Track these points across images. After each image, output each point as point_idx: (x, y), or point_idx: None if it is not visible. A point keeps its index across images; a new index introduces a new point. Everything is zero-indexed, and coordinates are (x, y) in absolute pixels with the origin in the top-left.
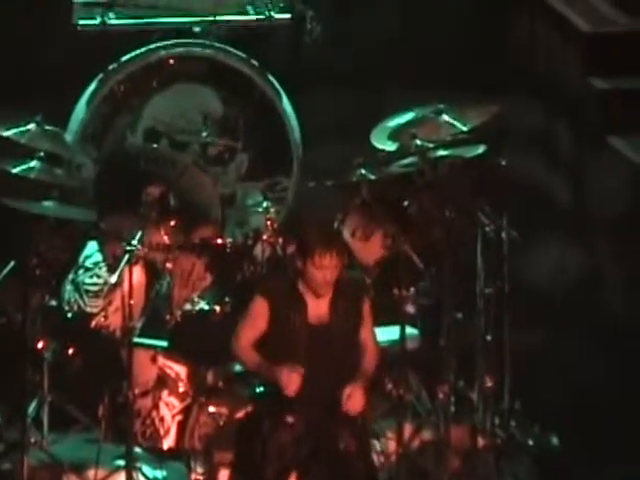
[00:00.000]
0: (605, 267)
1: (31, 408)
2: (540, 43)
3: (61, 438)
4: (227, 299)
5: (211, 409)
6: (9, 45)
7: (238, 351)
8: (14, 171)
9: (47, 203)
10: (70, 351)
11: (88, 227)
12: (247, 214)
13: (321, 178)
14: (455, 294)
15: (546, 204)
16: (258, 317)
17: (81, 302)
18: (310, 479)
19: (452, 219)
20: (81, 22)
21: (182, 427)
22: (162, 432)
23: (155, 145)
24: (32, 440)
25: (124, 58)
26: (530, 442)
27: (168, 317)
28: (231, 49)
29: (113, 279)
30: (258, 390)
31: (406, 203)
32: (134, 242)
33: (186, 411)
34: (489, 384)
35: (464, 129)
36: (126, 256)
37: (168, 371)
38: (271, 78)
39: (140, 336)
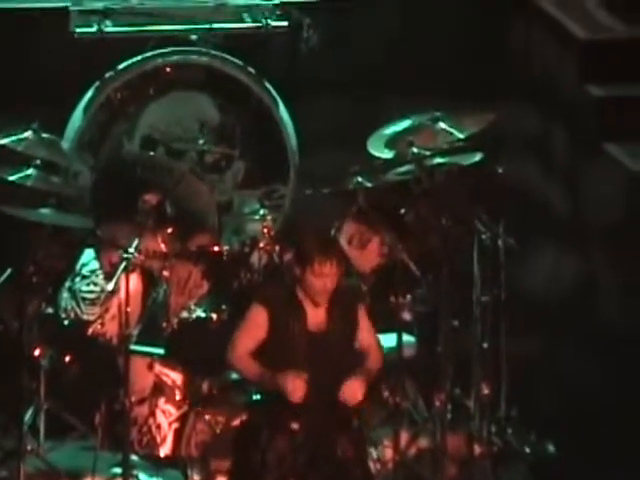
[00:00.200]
0: (601, 274)
1: (28, 416)
2: (536, 50)
3: (58, 446)
4: (224, 307)
5: (208, 416)
6: (5, 53)
7: (235, 361)
8: (11, 179)
9: (44, 211)
10: (67, 359)
11: (85, 235)
12: (244, 222)
13: (318, 186)
14: (452, 302)
15: (542, 211)
16: (257, 325)
17: (78, 310)
18: None
19: (449, 227)
20: (78, 30)
21: (179, 435)
22: (159, 440)
23: (152, 153)
24: (29, 448)
25: (121, 66)
26: (527, 449)
27: (165, 325)
28: (228, 57)
29: (110, 287)
30: (254, 398)
31: (403, 211)
32: (131, 250)
33: (183, 419)
34: (486, 392)
35: (461, 137)
36: (123, 264)
37: (165, 379)
38: (268, 85)
39: (137, 344)
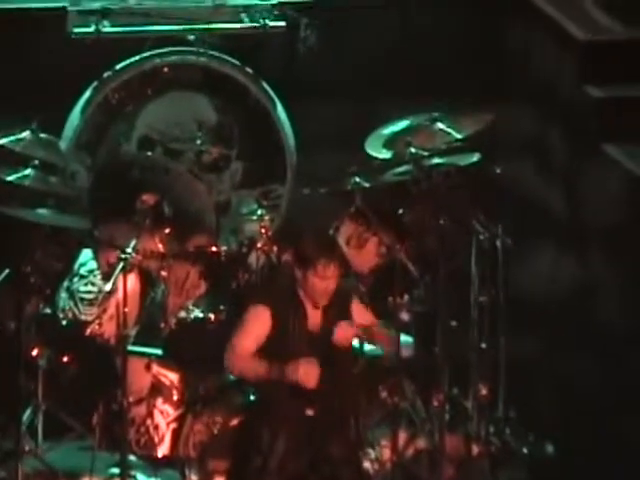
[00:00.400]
0: (600, 275)
1: (25, 416)
2: (535, 51)
3: (55, 446)
4: (221, 307)
5: (205, 417)
6: (3, 53)
7: (238, 362)
8: (9, 179)
9: (42, 211)
10: (65, 359)
11: (83, 235)
12: (241, 222)
13: (315, 186)
14: (450, 302)
15: (541, 211)
16: (260, 325)
17: (76, 310)
18: None
19: (446, 227)
20: (76, 30)
21: (176, 435)
22: (156, 440)
23: (149, 153)
24: (26, 448)
25: (118, 66)
26: (525, 450)
27: (162, 325)
28: (226, 57)
29: (108, 287)
30: (252, 398)
31: (401, 211)
32: (128, 250)
33: (180, 419)
34: (484, 392)
35: (459, 137)
36: (120, 264)
37: (162, 379)
38: (266, 86)
39: (135, 344)
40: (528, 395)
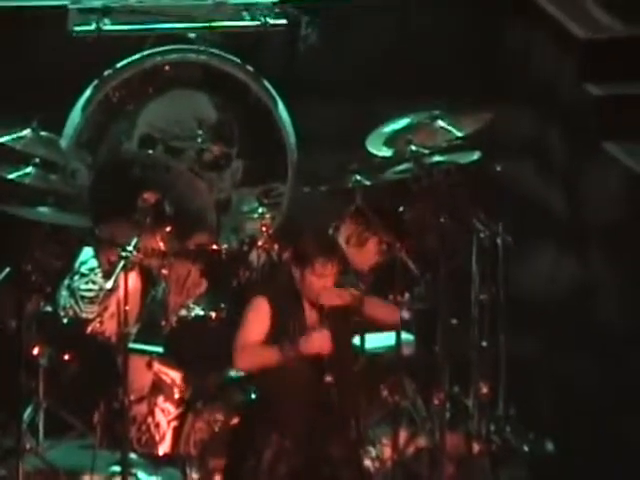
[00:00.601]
0: (599, 274)
1: (26, 414)
2: (536, 49)
3: (56, 444)
4: (222, 305)
5: (206, 415)
6: (4, 51)
7: (245, 355)
8: (10, 177)
9: (43, 209)
10: (65, 357)
11: (83, 233)
12: (242, 220)
13: (316, 184)
14: (450, 300)
15: (541, 210)
16: (260, 316)
17: (77, 308)
18: None
19: (447, 225)
20: (76, 28)
21: (177, 433)
22: (157, 438)
23: (150, 151)
24: (27, 446)
25: (119, 64)
26: (525, 448)
27: (163, 323)
28: (226, 55)
29: (108, 285)
30: (251, 397)
31: (401, 209)
32: (129, 248)
33: (181, 417)
34: (484, 390)
35: (459, 135)
36: (121, 262)
37: (163, 377)
38: (266, 84)
39: (136, 342)
40: (528, 393)
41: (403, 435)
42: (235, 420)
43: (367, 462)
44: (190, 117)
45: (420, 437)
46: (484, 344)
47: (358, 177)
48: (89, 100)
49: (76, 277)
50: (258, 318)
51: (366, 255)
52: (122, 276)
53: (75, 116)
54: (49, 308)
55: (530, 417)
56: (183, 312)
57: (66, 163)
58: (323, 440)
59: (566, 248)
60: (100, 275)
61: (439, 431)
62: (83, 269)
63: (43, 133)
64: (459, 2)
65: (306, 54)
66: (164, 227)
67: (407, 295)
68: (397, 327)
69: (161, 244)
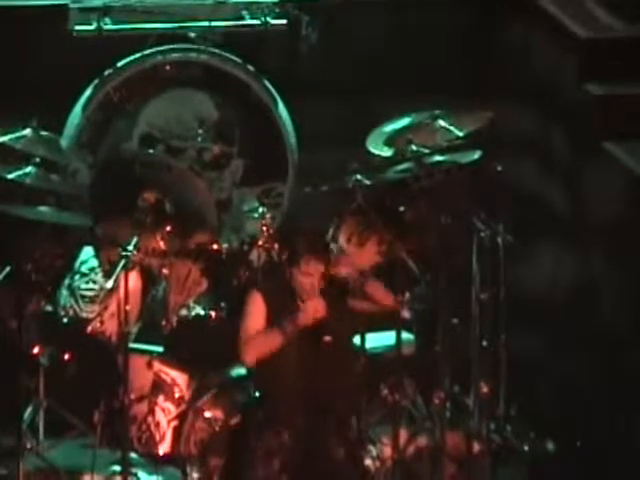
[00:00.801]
0: (601, 274)
1: (27, 414)
2: (537, 48)
3: (57, 444)
4: (223, 304)
5: (207, 414)
6: (4, 50)
7: (249, 346)
8: (10, 177)
9: (43, 209)
10: (66, 356)
11: (84, 232)
12: (243, 220)
13: (317, 184)
14: (451, 300)
15: (542, 210)
16: (257, 308)
17: (77, 307)
18: None
19: (448, 225)
20: (77, 28)
21: (178, 433)
22: (158, 437)
23: (151, 150)
24: (28, 446)
25: (120, 64)
26: (526, 448)
27: (164, 322)
28: (227, 54)
29: (109, 284)
30: (253, 396)
31: (402, 209)
32: (130, 248)
33: (182, 416)
34: (485, 390)
35: (460, 135)
36: (122, 261)
37: (164, 376)
38: (267, 83)
39: (136, 341)
40: (529, 393)
41: (403, 434)
42: (235, 420)
43: (367, 461)
44: (191, 116)
45: (420, 437)
46: (484, 343)
47: (358, 177)
48: (89, 99)
49: (76, 277)
50: (254, 311)
51: (367, 254)
52: (122, 275)
53: (75, 115)
54: (49, 308)
55: (531, 417)
56: (183, 311)
57: (66, 163)
58: (323, 439)
59: (567, 247)
60: (100, 274)
61: (439, 430)
62: (83, 268)
63: (43, 132)
64: (460, 1)
65: (306, 53)
66: (164, 226)
67: (407, 294)
68: (394, 313)
69: (161, 243)
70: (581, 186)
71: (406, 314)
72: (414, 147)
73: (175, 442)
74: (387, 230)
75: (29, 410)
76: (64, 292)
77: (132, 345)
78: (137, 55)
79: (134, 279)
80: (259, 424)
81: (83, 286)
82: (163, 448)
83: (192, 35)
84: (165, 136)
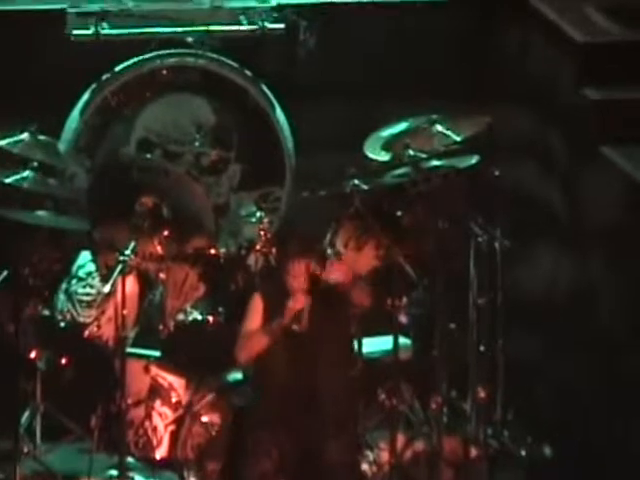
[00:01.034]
0: (598, 278)
1: (24, 418)
2: (534, 53)
3: (54, 448)
4: (220, 309)
5: (204, 419)
6: (2, 55)
7: (245, 346)
8: (7, 181)
9: (40, 213)
10: (63, 361)
11: (81, 237)
12: (240, 224)
13: (314, 188)
14: (448, 304)
15: (540, 214)
16: (257, 311)
17: (74, 312)
18: None
19: (445, 229)
20: (75, 32)
21: (175, 437)
22: (155, 442)
23: (148, 155)
24: (25, 450)
25: (117, 68)
26: (523, 452)
27: (161, 327)
28: (224, 59)
29: (106, 289)
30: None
31: (399, 213)
32: (127, 252)
33: (179, 421)
34: (482, 395)
35: (457, 139)
36: (119, 266)
37: (161, 381)
38: (264, 88)
39: (133, 346)
40: (526, 398)
41: (400, 439)
42: (232, 424)
43: (365, 466)
44: (188, 121)
45: (418, 441)
46: (482, 348)
47: (356, 181)
48: (87, 104)
49: (74, 281)
50: (253, 313)
51: (364, 259)
52: (120, 280)
53: (73, 120)
54: (47, 312)
55: (528, 421)
56: (181, 316)
57: (64, 167)
58: (320, 444)
59: (565, 251)
60: (98, 279)
61: (437, 435)
62: (81, 273)
63: (41, 137)
64: (458, 5)
65: (304, 58)
66: (162, 231)
67: (405, 299)
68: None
69: (159, 248)
70: (579, 190)
71: (403, 319)
72: (412, 152)
73: (172, 447)
74: (384, 235)
75: (26, 414)
76: (61, 296)
77: (129, 350)
78: (135, 60)
79: (131, 284)
80: (255, 426)
81: (80, 290)
82: (160, 453)
83: (190, 40)
84: (162, 141)
